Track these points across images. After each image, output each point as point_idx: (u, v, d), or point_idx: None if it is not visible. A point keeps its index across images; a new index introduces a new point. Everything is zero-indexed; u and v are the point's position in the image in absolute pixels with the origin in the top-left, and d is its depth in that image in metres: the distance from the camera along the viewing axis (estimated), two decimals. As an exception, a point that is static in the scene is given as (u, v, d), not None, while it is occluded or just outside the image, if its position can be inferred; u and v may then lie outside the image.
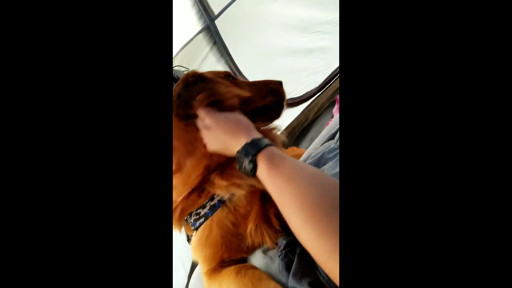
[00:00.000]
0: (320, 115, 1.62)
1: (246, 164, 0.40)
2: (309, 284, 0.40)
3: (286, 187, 0.35)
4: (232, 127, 0.46)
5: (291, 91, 1.49)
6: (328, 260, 0.29)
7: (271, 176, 0.37)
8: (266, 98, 0.62)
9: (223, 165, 0.52)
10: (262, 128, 0.62)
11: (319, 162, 0.63)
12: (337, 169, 0.57)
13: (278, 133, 0.65)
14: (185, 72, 1.02)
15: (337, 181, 0.34)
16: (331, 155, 0.62)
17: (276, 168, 0.37)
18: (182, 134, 0.53)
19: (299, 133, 1.58)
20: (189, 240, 0.57)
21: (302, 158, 0.74)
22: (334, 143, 0.66)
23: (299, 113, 1.56)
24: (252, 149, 0.40)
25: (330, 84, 1.54)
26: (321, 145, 0.72)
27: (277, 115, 0.65)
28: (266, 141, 0.42)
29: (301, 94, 1.53)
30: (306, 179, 0.35)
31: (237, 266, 0.49)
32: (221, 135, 0.46)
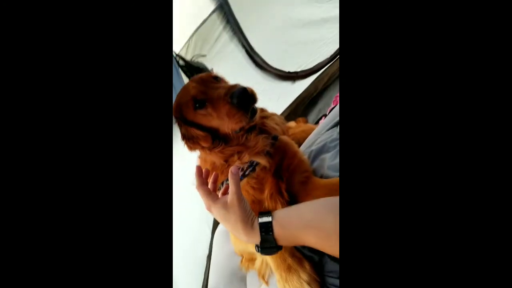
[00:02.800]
0: (329, 85, 1.65)
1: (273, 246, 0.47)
2: (310, 249, 0.56)
3: (307, 239, 0.45)
4: (233, 229, 0.49)
5: (303, 63, 1.52)
6: None
7: (293, 239, 0.46)
8: (231, 125, 0.61)
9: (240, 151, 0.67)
10: (261, 115, 0.74)
11: (322, 150, 0.75)
12: (337, 159, 0.69)
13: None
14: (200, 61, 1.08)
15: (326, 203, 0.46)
16: (332, 144, 0.74)
17: (293, 233, 0.46)
18: None
19: (307, 104, 1.64)
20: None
21: (306, 144, 0.85)
22: (337, 133, 0.76)
23: (308, 84, 1.60)
24: (268, 240, 0.46)
25: (342, 54, 1.53)
26: (326, 131, 0.82)
27: (252, 120, 0.64)
28: (266, 221, 0.47)
29: (313, 65, 1.55)
30: (313, 223, 0.44)
31: None
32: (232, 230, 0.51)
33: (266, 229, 0.46)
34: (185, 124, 0.67)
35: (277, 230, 0.46)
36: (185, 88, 0.67)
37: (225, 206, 0.49)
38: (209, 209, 0.52)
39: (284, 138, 0.78)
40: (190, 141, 0.67)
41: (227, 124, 0.62)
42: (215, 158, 0.68)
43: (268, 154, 0.69)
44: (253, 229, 0.47)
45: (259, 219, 0.48)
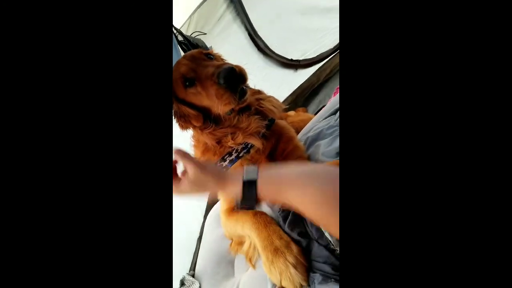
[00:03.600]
0: (331, 76, 1.62)
1: (254, 203, 0.46)
2: (298, 233, 0.55)
3: (289, 197, 0.43)
4: (215, 185, 0.47)
5: (305, 52, 1.49)
6: (330, 226, 0.41)
7: (275, 196, 0.45)
8: (221, 106, 0.59)
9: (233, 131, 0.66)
10: (257, 97, 0.73)
11: (318, 137, 0.74)
12: (332, 146, 0.68)
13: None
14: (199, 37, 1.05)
15: (322, 168, 0.44)
16: (329, 131, 0.72)
17: (276, 190, 0.44)
18: None
19: (308, 94, 1.62)
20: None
21: (304, 131, 0.84)
22: (334, 120, 0.75)
23: (311, 74, 1.57)
24: (250, 197, 0.44)
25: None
26: (324, 119, 0.81)
27: (242, 102, 0.61)
28: (250, 176, 0.45)
29: (316, 55, 1.52)
30: (299, 182, 0.42)
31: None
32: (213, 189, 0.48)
33: (250, 184, 0.44)
34: (177, 101, 0.65)
35: (261, 186, 0.43)
36: (177, 64, 0.64)
37: (192, 174, 0.46)
38: (178, 189, 0.48)
39: (281, 122, 0.77)
40: (182, 119, 0.65)
41: (216, 105, 0.59)
42: (207, 139, 0.67)
43: (263, 137, 0.68)
44: (230, 180, 0.46)
45: (245, 175, 0.45)
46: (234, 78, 0.56)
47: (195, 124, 0.64)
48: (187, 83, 0.61)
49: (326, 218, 0.39)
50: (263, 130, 0.67)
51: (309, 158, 0.71)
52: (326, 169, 0.44)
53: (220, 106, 0.59)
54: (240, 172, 0.46)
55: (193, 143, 0.74)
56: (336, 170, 0.41)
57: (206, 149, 0.70)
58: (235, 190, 0.45)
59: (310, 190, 0.40)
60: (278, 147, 0.71)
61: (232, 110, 0.64)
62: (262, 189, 0.44)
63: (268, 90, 0.79)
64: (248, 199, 0.44)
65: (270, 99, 0.74)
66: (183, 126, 0.67)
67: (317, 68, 1.56)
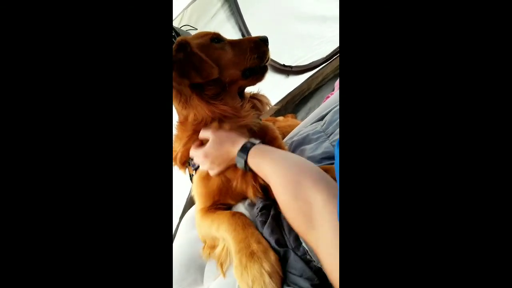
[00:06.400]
0: (322, 85, 1.63)
1: (242, 164, 0.56)
2: (275, 240, 0.52)
3: (270, 171, 0.51)
4: (225, 144, 0.59)
5: (299, 58, 1.48)
6: (307, 233, 0.44)
7: (259, 166, 0.54)
8: (249, 59, 0.63)
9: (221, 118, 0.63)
10: (252, 96, 0.73)
11: (303, 141, 0.72)
12: (317, 151, 0.66)
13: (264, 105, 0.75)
14: (189, 32, 1.02)
15: (308, 162, 0.50)
16: (314, 136, 0.70)
17: (262, 160, 0.53)
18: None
19: (299, 101, 1.61)
20: (191, 178, 0.70)
21: (291, 134, 0.82)
22: (321, 126, 0.73)
23: (302, 81, 1.56)
24: (243, 153, 0.55)
25: (338, 56, 1.52)
26: (310, 124, 0.79)
27: (261, 76, 0.68)
28: (251, 143, 0.56)
29: (309, 62, 1.52)
30: (284, 162, 0.50)
31: (232, 211, 0.63)
32: (219, 155, 0.60)
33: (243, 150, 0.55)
34: (186, 50, 0.60)
35: (250, 155, 0.54)
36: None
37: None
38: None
39: (267, 122, 0.75)
40: (185, 70, 0.58)
41: (248, 57, 0.63)
42: (201, 108, 0.61)
43: (250, 132, 0.66)
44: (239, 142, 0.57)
45: (248, 143, 0.56)
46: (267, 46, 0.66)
47: (209, 74, 0.59)
48: (215, 40, 0.64)
49: (287, 201, 0.46)
50: (254, 127, 0.66)
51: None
52: (302, 159, 0.51)
53: (250, 57, 0.63)
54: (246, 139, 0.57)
55: (176, 132, 0.69)
56: (308, 164, 0.49)
57: (189, 140, 0.66)
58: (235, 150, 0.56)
59: (280, 166, 0.48)
60: None
61: (243, 95, 0.68)
62: (250, 158, 0.54)
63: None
64: (239, 161, 0.56)
65: (264, 95, 0.75)
66: (183, 75, 0.59)
67: (308, 76, 1.56)
